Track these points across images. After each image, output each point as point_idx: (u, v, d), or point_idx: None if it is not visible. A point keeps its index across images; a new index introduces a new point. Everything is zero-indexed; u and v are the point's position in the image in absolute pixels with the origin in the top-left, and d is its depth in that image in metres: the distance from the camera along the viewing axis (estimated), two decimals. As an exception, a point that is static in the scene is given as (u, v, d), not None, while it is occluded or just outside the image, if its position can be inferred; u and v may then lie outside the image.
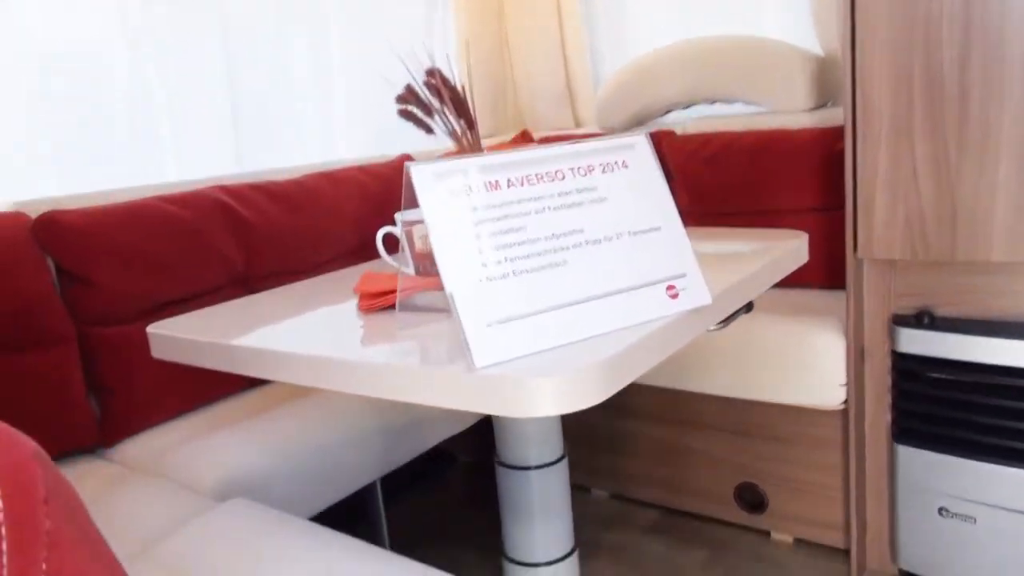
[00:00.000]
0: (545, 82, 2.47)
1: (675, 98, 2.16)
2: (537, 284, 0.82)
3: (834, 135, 1.85)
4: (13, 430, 0.37)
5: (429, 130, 1.33)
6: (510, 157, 0.87)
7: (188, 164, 1.72)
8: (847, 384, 1.53)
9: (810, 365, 1.57)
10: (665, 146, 2.09)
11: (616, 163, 0.93)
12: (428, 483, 2.17)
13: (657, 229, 0.92)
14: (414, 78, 1.35)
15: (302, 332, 0.98)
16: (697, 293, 0.91)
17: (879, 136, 1.39)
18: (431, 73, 1.38)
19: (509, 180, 0.86)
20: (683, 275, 0.91)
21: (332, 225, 1.73)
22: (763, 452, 1.72)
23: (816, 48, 2.07)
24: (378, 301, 1.02)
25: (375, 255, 1.87)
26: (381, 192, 1.86)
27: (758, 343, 1.64)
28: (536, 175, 0.88)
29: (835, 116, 1.93)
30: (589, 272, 0.86)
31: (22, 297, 1.25)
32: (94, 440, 1.35)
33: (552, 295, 0.83)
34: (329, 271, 1.75)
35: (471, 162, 0.85)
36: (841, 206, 1.85)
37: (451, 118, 1.34)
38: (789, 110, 1.98)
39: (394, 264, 1.17)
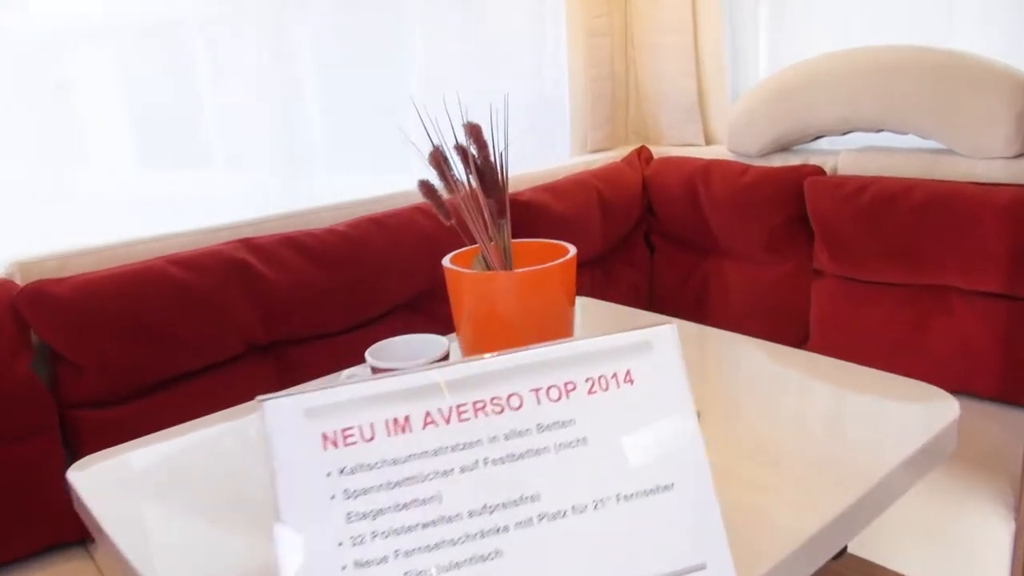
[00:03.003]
0: (672, 89, 2.07)
1: (829, 124, 1.71)
2: (444, 594, 0.53)
3: (1041, 202, 1.35)
4: None
5: (447, 215, 1.03)
6: (438, 374, 0.57)
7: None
8: (1011, 581, 1.11)
9: (962, 542, 1.15)
10: (808, 187, 1.66)
11: (614, 377, 0.61)
12: None
13: (668, 488, 0.59)
14: (433, 135, 1.06)
15: (210, 538, 0.75)
16: (722, 598, 0.58)
17: (1101, 258, 0.93)
18: (469, 130, 1.08)
19: (428, 414, 0.57)
20: (701, 567, 0.58)
21: (378, 280, 1.50)
22: (888, 617, 1.33)
23: (1032, 69, 1.53)
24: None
25: (425, 311, 1.62)
26: (442, 237, 1.59)
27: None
28: (474, 404, 0.58)
29: (1048, 169, 1.42)
30: (538, 568, 0.55)
31: (-4, 383, 1.13)
32: (79, 535, 1.23)
33: (467, 612, 0.53)
34: (373, 330, 1.53)
35: (367, 389, 0.56)
36: (1040, 298, 1.37)
37: (471, 196, 1.03)
38: (981, 154, 1.49)
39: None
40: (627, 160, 2.02)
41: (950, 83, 1.50)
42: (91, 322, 1.20)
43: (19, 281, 1.22)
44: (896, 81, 1.56)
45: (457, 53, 1.90)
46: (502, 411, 0.58)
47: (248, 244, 1.37)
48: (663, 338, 0.62)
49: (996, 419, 1.39)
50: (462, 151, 1.05)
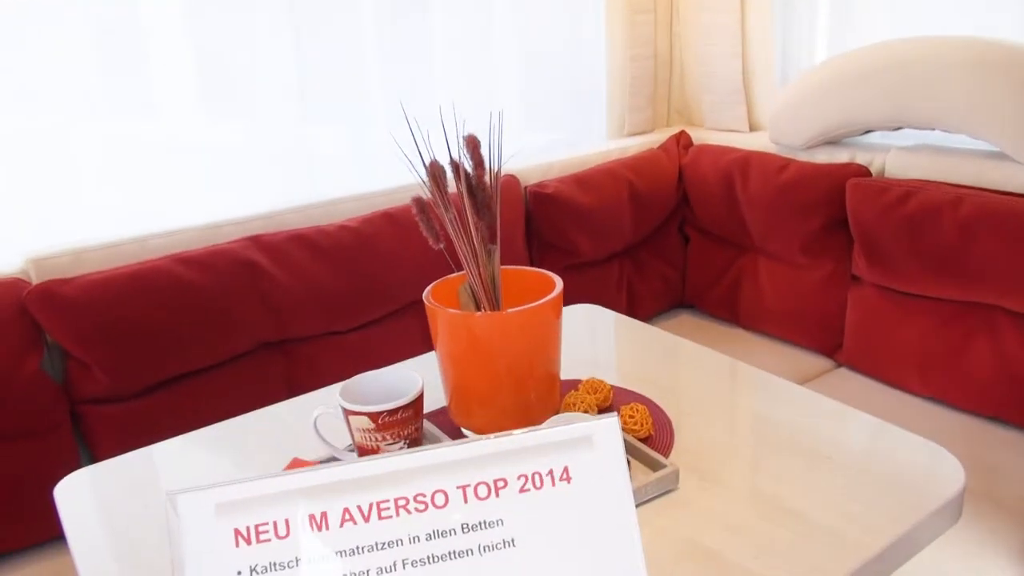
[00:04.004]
0: (716, 71, 1.95)
1: (878, 120, 1.59)
2: None
3: (1103, 224, 1.23)
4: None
5: (436, 238, 1.00)
6: (361, 469, 0.55)
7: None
8: (1024, 643, 1.04)
9: (972, 595, 1.09)
10: (850, 189, 1.55)
11: (550, 474, 0.57)
12: None
13: (601, 596, 0.56)
14: (433, 143, 1.02)
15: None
16: None
17: None
18: (467, 142, 1.03)
19: (347, 511, 0.55)
20: None
21: (391, 278, 1.48)
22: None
23: (1110, 68, 1.38)
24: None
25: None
26: (461, 233, 1.55)
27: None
28: (396, 501, 0.55)
29: (1116, 185, 1.29)
30: (454, 678, 0.53)
31: (8, 381, 1.16)
32: (88, 524, 1.27)
33: None
34: (387, 327, 1.52)
35: (283, 483, 0.54)
36: (1094, 329, 1.25)
37: (459, 219, 0.99)
38: (1043, 164, 1.36)
39: (334, 451, 0.89)
40: (664, 147, 1.93)
41: (1009, 81, 1.36)
42: (98, 323, 1.22)
43: (33, 277, 1.24)
44: (951, 77, 1.43)
45: (486, 28, 1.83)
46: (425, 509, 0.55)
47: (257, 242, 1.37)
48: (605, 432, 0.58)
49: (1018, 447, 1.30)
50: (455, 166, 1.00)
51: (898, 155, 1.57)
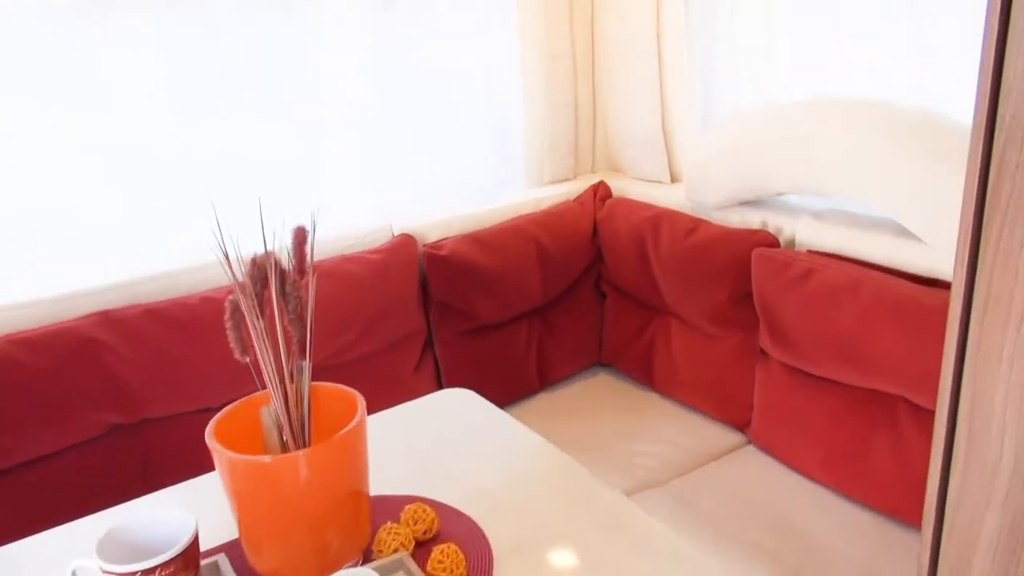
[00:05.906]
0: (634, 120, 1.86)
1: (785, 185, 1.50)
2: None
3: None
4: None
5: (243, 350, 0.90)
6: None
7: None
8: None
9: None
10: (755, 260, 1.47)
11: None
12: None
13: None
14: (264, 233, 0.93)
15: None
16: None
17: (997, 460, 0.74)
18: (296, 236, 0.95)
19: None
20: None
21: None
22: None
23: None
24: None
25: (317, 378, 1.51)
26: (334, 296, 1.46)
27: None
28: None
29: None
30: None
31: None
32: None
33: None
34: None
35: None
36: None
37: (269, 331, 0.90)
38: (950, 246, 1.27)
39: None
40: (580, 199, 1.84)
41: (915, 153, 1.27)
42: (-86, 412, 1.12)
43: None
44: (855, 145, 1.34)
45: (399, 74, 1.74)
46: None
47: (106, 319, 1.28)
48: None
49: (900, 552, 1.21)
50: (271, 263, 0.91)
51: (809, 223, 1.48)
